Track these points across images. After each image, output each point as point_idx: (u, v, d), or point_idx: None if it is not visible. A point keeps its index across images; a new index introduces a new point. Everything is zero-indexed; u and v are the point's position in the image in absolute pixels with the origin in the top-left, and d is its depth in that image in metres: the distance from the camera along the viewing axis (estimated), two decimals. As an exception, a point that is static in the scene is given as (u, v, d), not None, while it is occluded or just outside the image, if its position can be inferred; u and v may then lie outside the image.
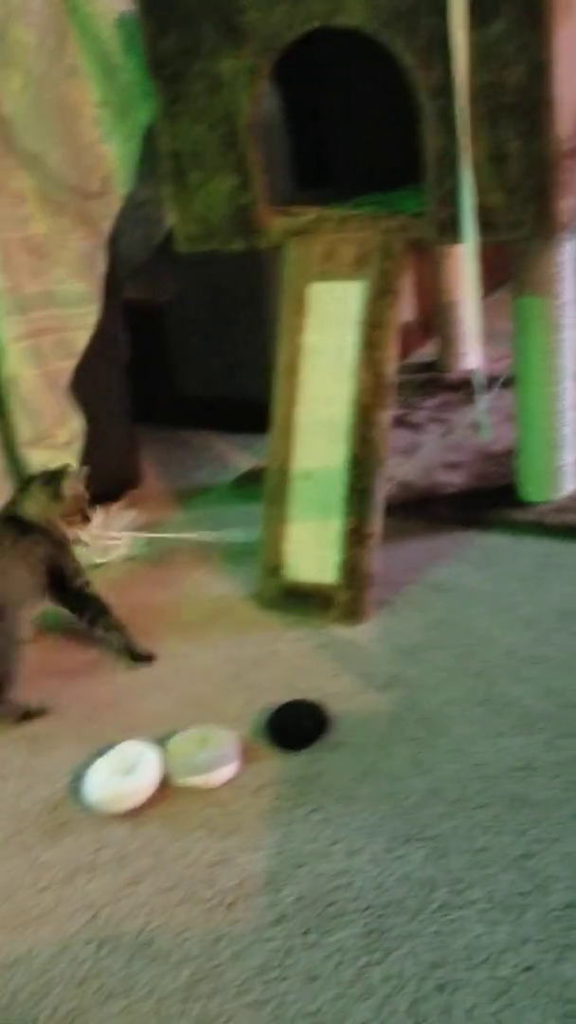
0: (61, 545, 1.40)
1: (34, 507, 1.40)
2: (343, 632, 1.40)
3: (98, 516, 1.51)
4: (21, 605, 1.34)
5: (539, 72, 1.25)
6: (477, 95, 1.28)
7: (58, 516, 1.41)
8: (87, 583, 1.42)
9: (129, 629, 1.41)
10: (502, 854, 1.00)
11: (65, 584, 1.40)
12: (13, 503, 1.43)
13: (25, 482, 1.46)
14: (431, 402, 2.12)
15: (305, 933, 0.94)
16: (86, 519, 1.43)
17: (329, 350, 1.44)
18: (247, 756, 1.17)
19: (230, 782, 1.14)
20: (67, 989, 0.91)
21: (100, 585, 1.51)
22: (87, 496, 1.43)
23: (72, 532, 1.42)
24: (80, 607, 1.41)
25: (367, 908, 0.96)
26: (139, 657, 1.39)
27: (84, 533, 1.45)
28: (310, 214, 1.50)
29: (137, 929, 0.97)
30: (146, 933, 0.96)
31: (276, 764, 1.16)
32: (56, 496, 1.40)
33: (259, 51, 1.38)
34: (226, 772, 1.15)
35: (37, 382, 1.60)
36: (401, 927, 0.93)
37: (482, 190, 1.32)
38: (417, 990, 0.87)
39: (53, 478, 1.42)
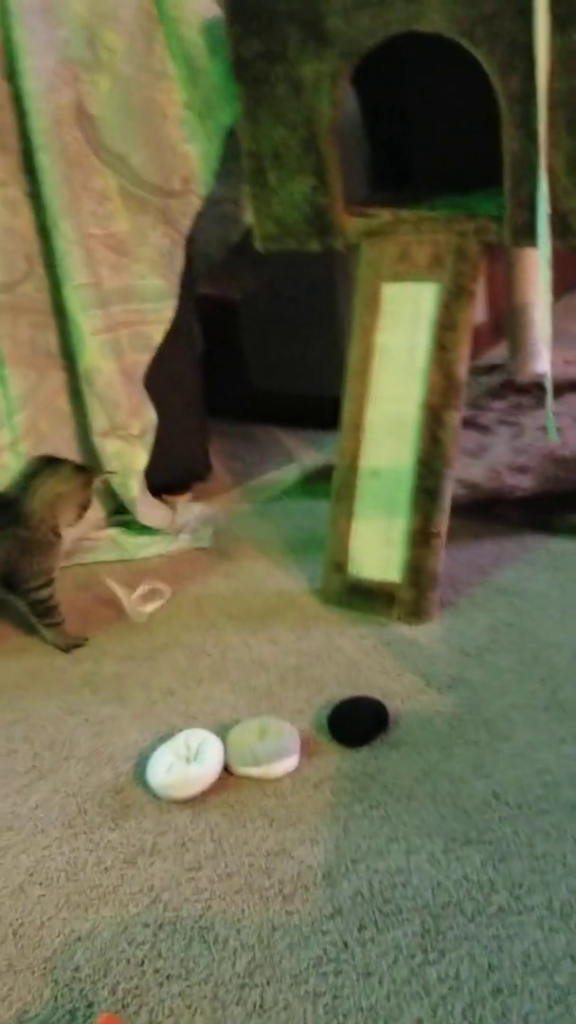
0: (39, 545, 1.44)
1: (43, 499, 1.43)
2: (406, 631, 1.40)
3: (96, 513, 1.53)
4: None
5: (624, 76, 1.23)
6: (557, 101, 1.27)
7: (64, 517, 1.45)
8: (35, 589, 1.45)
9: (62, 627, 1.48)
10: (562, 861, 1.00)
11: (12, 582, 1.44)
12: (23, 488, 1.46)
13: (43, 468, 1.47)
14: (500, 404, 2.10)
15: (361, 928, 0.95)
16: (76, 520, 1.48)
17: (401, 350, 1.44)
18: (307, 750, 1.19)
19: (290, 774, 1.16)
20: (126, 969, 0.94)
21: (162, 575, 1.56)
22: (90, 504, 1.49)
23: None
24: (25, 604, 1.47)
25: (424, 907, 0.96)
26: (70, 647, 1.46)
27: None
28: (386, 215, 1.50)
29: (196, 914, 0.99)
30: (205, 918, 0.99)
31: (336, 759, 1.18)
32: (77, 500, 1.45)
33: (341, 56, 1.39)
34: (286, 764, 1.16)
35: (114, 375, 1.64)
36: (458, 928, 0.94)
37: (559, 195, 1.31)
38: (473, 992, 0.87)
39: (81, 481, 1.46)
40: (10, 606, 1.50)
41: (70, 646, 1.46)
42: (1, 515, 1.44)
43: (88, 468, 1.55)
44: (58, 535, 1.45)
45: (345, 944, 0.94)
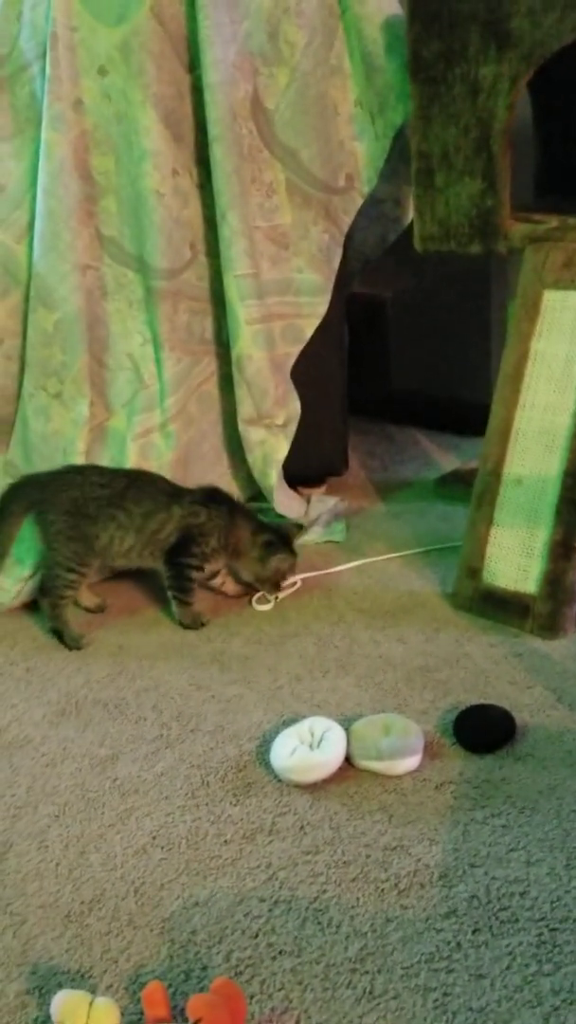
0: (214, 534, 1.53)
1: (269, 565, 1.54)
2: (539, 644, 1.38)
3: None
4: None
5: None
6: None
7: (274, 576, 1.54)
8: (191, 568, 1.52)
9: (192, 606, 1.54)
10: None
11: (176, 551, 1.51)
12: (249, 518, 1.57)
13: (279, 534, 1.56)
14: None
15: (475, 931, 0.95)
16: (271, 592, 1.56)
17: (557, 359, 1.42)
18: (430, 751, 1.19)
19: (412, 773, 1.16)
20: (241, 939, 0.97)
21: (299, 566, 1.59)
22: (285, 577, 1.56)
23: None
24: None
25: (541, 919, 0.95)
26: (197, 624, 1.53)
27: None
28: (553, 221, 1.48)
29: (311, 896, 1.01)
30: (320, 901, 1.00)
31: (459, 763, 1.17)
32: (263, 559, 1.53)
33: (523, 58, 1.38)
34: (409, 763, 1.17)
35: (264, 363, 1.67)
36: (575, 944, 0.92)
37: None
38: (587, 1010, 0.86)
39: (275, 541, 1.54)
40: (146, 576, 1.57)
41: (196, 623, 1.51)
42: (204, 498, 1.55)
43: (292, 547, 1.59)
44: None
45: (459, 944, 0.94)
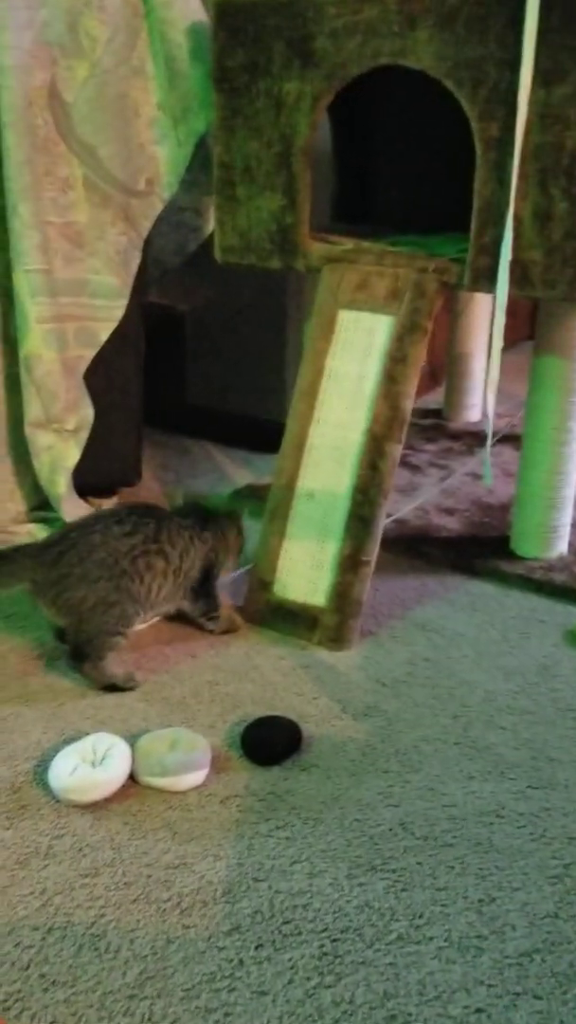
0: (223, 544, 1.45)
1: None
2: (325, 656, 1.40)
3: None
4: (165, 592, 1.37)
5: (594, 140, 1.28)
6: (532, 154, 1.31)
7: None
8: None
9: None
10: (463, 895, 0.99)
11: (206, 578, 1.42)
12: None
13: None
14: (433, 447, 2.14)
15: (258, 947, 0.93)
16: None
17: (350, 377, 1.45)
18: (217, 765, 1.16)
19: (197, 788, 1.13)
20: (10, 972, 0.89)
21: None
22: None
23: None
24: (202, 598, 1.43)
25: (323, 931, 0.95)
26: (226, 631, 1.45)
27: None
28: (349, 244, 1.52)
29: (88, 921, 0.95)
30: (98, 926, 0.95)
31: (245, 777, 1.15)
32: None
33: (325, 78, 1.41)
34: (194, 778, 1.13)
35: (55, 365, 1.60)
36: (356, 954, 0.92)
37: (522, 245, 1.35)
38: (367, 1018, 0.86)
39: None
40: None
41: (234, 624, 1.46)
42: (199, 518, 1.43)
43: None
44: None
45: (241, 961, 0.91)
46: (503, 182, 1.33)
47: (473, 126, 1.33)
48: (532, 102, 1.28)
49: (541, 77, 1.27)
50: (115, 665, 1.32)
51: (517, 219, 1.34)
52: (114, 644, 1.31)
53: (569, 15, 1.24)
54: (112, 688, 1.31)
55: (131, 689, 1.31)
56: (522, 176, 1.32)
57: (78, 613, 1.29)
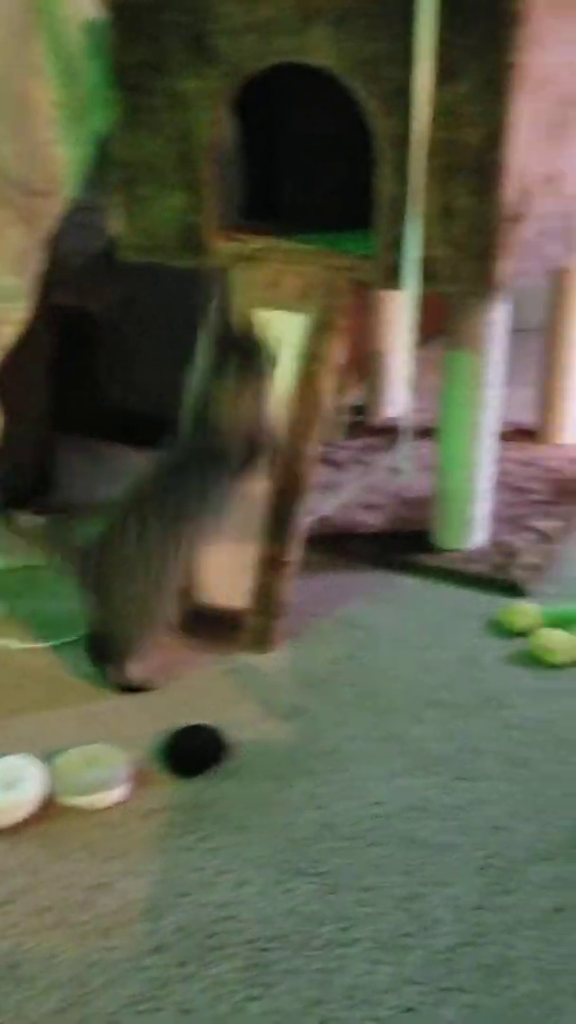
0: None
1: None
2: (249, 660, 1.38)
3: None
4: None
5: (495, 137, 1.29)
6: (434, 150, 1.31)
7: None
8: None
9: None
10: (390, 894, 0.99)
11: None
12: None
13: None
14: (354, 443, 2.14)
15: (183, 964, 0.91)
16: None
17: (263, 377, 1.43)
18: (140, 779, 1.14)
19: (119, 805, 1.10)
20: None
21: None
22: None
23: None
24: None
25: (249, 941, 0.93)
26: None
27: None
28: (258, 242, 1.51)
29: (5, 951, 0.92)
30: (15, 955, 0.91)
31: (169, 789, 1.13)
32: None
33: (225, 76, 1.39)
34: (115, 794, 1.11)
35: (-42, 372, 1.55)
36: (284, 962, 0.91)
37: (428, 242, 1.35)
38: (295, 1028, 0.84)
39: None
40: None
41: None
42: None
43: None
44: None
45: (165, 980, 0.89)
46: (406, 179, 1.33)
47: (374, 123, 1.33)
48: (431, 100, 1.28)
49: (439, 75, 1.27)
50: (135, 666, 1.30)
51: (423, 215, 1.34)
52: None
53: (463, 13, 1.24)
54: (131, 690, 1.29)
55: (152, 688, 1.29)
56: (424, 173, 1.32)
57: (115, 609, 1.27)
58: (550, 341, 2.07)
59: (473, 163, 1.30)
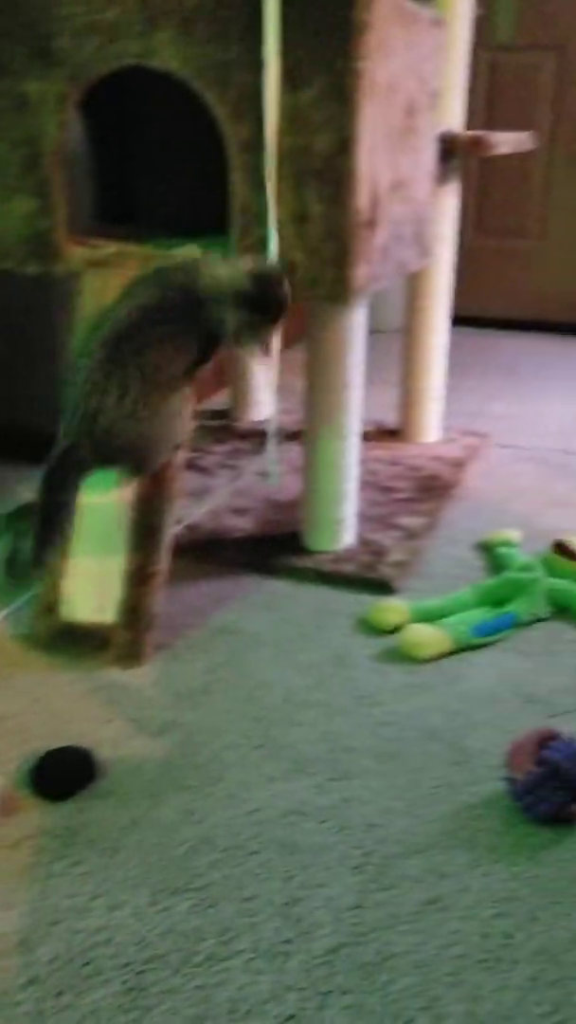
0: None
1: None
2: (119, 676, 1.35)
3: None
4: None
5: (344, 144, 1.30)
6: (285, 156, 1.32)
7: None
8: None
9: None
10: (269, 901, 0.99)
11: None
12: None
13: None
14: (221, 448, 2.13)
15: (59, 994, 0.88)
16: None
17: (123, 385, 1.41)
18: (6, 807, 1.09)
19: (-14, 834, 1.06)
20: None
21: None
22: None
23: None
24: None
25: (126, 965, 0.91)
26: None
27: None
28: (111, 248, 1.48)
29: None
30: None
31: (37, 815, 1.09)
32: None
33: (69, 78, 1.36)
34: (-18, 823, 1.06)
35: None
36: (163, 983, 0.89)
37: (284, 248, 1.36)
38: (175, 1049, 0.83)
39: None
40: None
41: None
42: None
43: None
44: None
45: (40, 1013, 0.86)
46: (258, 184, 1.33)
47: (224, 128, 1.33)
48: (280, 105, 1.29)
49: (286, 81, 1.28)
50: None
51: (277, 221, 1.34)
52: None
53: (308, 21, 1.25)
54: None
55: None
56: (276, 179, 1.32)
57: None
58: (409, 342, 2.12)
59: (323, 169, 1.32)
